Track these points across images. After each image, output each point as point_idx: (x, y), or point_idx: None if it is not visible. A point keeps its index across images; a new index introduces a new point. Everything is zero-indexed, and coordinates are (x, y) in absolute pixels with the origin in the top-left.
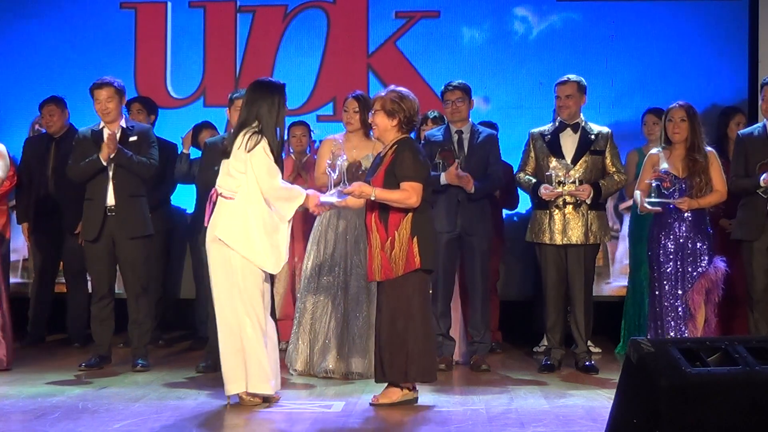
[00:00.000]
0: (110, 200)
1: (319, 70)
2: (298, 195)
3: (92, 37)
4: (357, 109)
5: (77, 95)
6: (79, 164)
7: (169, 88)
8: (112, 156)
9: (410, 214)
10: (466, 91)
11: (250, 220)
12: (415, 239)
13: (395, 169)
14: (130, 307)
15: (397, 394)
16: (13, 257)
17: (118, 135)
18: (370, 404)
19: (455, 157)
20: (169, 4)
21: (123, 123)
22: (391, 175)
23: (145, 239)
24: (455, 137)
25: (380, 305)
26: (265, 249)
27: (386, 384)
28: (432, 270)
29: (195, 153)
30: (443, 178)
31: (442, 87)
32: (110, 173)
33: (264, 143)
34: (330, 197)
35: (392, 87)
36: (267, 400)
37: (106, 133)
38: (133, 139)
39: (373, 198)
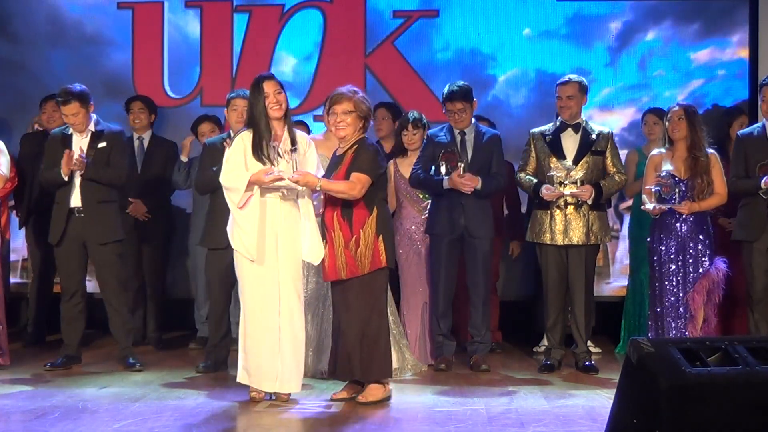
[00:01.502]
0: (76, 202)
1: (315, 70)
2: (240, 181)
3: (91, 36)
4: None
5: None
6: (46, 174)
7: (167, 88)
8: (81, 173)
9: (375, 213)
10: (467, 98)
11: (226, 210)
12: (380, 238)
13: (353, 164)
14: (110, 308)
15: (381, 391)
16: (12, 257)
17: (87, 140)
18: (358, 402)
19: (459, 160)
20: (166, 4)
21: (92, 127)
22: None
23: (116, 243)
24: (458, 138)
25: (346, 304)
26: (237, 235)
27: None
28: (393, 267)
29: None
30: (446, 183)
31: (444, 94)
32: (77, 180)
33: (236, 138)
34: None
35: (351, 87)
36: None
37: (74, 141)
38: (101, 145)
39: (318, 188)
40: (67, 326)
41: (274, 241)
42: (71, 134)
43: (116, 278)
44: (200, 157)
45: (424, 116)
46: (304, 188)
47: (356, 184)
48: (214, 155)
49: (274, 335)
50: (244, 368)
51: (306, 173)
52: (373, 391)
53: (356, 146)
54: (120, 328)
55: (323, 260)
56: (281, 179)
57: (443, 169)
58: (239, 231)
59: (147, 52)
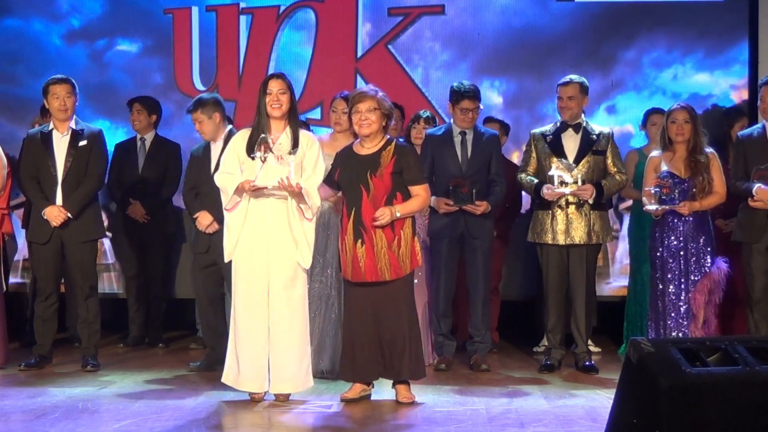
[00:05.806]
0: (58, 202)
1: (307, 72)
2: (229, 184)
3: (145, 40)
4: (346, 110)
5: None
6: (29, 192)
7: (196, 82)
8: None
9: None
10: (479, 97)
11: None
12: (415, 238)
13: (404, 172)
14: (80, 307)
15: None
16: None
17: (68, 138)
18: (399, 403)
19: (468, 186)
20: (194, 8)
21: (73, 124)
22: (398, 176)
23: (95, 241)
24: (458, 138)
25: (394, 305)
26: (224, 238)
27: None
28: None
29: None
30: (442, 209)
31: (455, 91)
32: (59, 179)
33: (233, 137)
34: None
35: (371, 86)
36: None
37: (55, 139)
38: (83, 143)
39: (398, 216)
40: (42, 326)
41: (266, 243)
42: (51, 132)
43: (87, 280)
44: (188, 163)
45: (437, 118)
46: (304, 191)
47: (426, 196)
48: (199, 162)
49: (261, 336)
50: (229, 368)
51: (390, 208)
52: (408, 390)
53: (392, 148)
54: (86, 329)
55: (357, 261)
56: (265, 188)
57: (454, 197)
58: (225, 231)
59: (182, 51)
